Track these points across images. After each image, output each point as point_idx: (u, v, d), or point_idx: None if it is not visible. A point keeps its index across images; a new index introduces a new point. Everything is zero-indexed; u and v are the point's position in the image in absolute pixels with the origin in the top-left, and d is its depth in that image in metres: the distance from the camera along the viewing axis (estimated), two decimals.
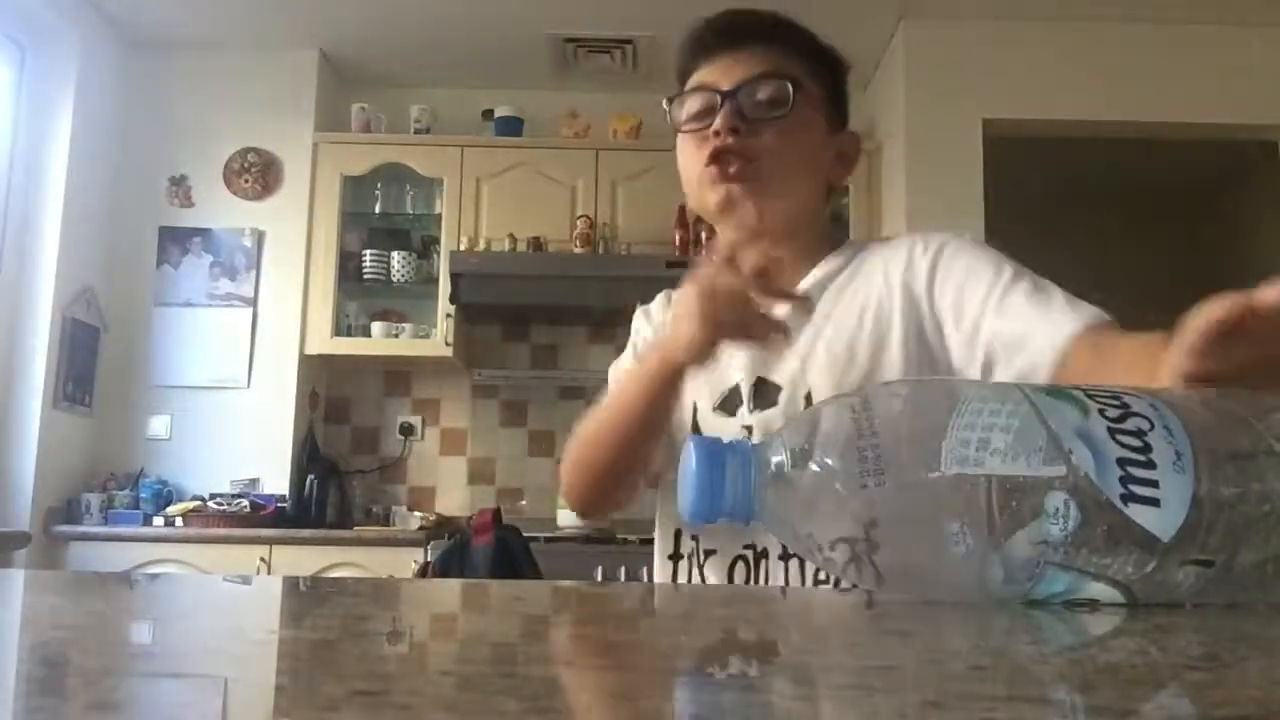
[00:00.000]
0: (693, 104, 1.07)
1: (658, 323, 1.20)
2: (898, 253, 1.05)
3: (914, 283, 1.02)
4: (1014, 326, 0.93)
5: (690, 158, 1.07)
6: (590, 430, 1.08)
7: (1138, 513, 0.47)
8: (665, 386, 1.00)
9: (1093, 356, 0.86)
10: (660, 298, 1.23)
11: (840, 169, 1.13)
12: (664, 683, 0.32)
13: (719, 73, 1.06)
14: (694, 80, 1.08)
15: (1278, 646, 0.41)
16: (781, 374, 1.05)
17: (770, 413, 1.04)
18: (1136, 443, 0.48)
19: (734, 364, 1.07)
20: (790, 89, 1.04)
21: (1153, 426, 0.48)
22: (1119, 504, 0.47)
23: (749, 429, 1.04)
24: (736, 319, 0.92)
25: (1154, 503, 0.47)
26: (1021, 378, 0.89)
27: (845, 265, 1.08)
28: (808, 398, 1.02)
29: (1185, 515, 0.47)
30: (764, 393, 1.05)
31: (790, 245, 1.09)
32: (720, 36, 1.08)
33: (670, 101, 1.09)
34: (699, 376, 1.06)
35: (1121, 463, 0.47)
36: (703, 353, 0.95)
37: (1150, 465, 0.47)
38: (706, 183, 1.05)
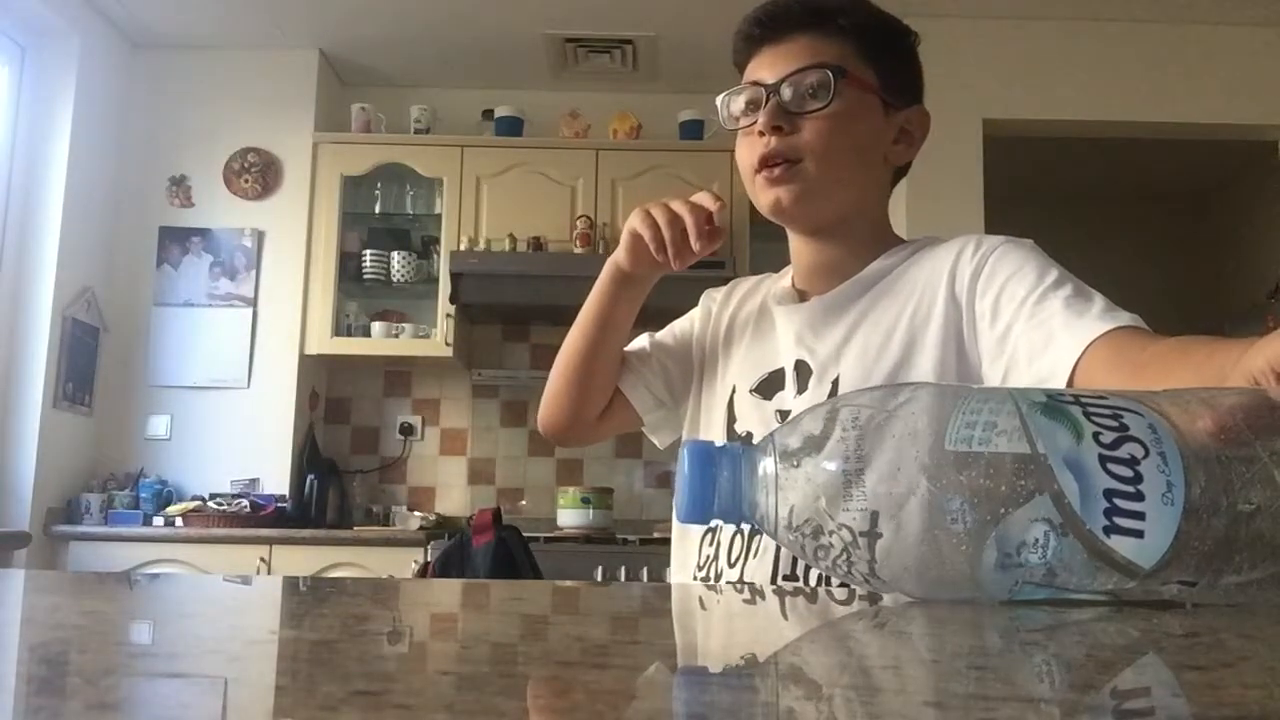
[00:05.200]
0: (739, 102, 1.06)
1: (716, 305, 1.21)
2: (949, 251, 1.03)
3: (958, 281, 1.00)
4: (1042, 330, 0.90)
5: (743, 158, 1.06)
6: (561, 350, 1.18)
7: (1119, 543, 0.47)
8: (612, 285, 1.13)
9: (1112, 361, 0.84)
10: (727, 286, 1.24)
11: (903, 149, 1.09)
12: (664, 683, 0.32)
13: (763, 67, 1.04)
14: (745, 75, 1.07)
15: (1278, 646, 0.41)
16: (816, 358, 1.04)
17: (801, 397, 1.03)
18: (1128, 472, 0.47)
19: (782, 348, 1.07)
20: (831, 78, 1.00)
21: (1147, 454, 0.48)
22: (1100, 535, 0.47)
23: (782, 414, 1.04)
24: (655, 232, 1.04)
25: (1137, 534, 0.47)
26: (1039, 381, 0.88)
27: (900, 262, 1.06)
28: (835, 383, 1.01)
29: (1169, 546, 0.47)
30: (801, 377, 1.05)
31: (851, 237, 1.08)
32: (763, 28, 1.05)
33: (721, 99, 1.08)
34: (744, 360, 1.11)
35: (1109, 494, 0.47)
36: (634, 255, 1.08)
37: (1139, 497, 0.47)
38: (757, 187, 1.04)
